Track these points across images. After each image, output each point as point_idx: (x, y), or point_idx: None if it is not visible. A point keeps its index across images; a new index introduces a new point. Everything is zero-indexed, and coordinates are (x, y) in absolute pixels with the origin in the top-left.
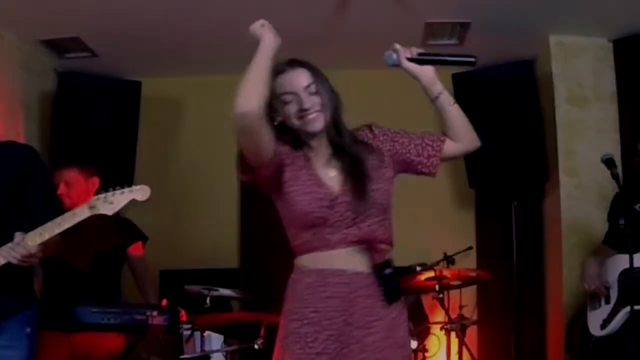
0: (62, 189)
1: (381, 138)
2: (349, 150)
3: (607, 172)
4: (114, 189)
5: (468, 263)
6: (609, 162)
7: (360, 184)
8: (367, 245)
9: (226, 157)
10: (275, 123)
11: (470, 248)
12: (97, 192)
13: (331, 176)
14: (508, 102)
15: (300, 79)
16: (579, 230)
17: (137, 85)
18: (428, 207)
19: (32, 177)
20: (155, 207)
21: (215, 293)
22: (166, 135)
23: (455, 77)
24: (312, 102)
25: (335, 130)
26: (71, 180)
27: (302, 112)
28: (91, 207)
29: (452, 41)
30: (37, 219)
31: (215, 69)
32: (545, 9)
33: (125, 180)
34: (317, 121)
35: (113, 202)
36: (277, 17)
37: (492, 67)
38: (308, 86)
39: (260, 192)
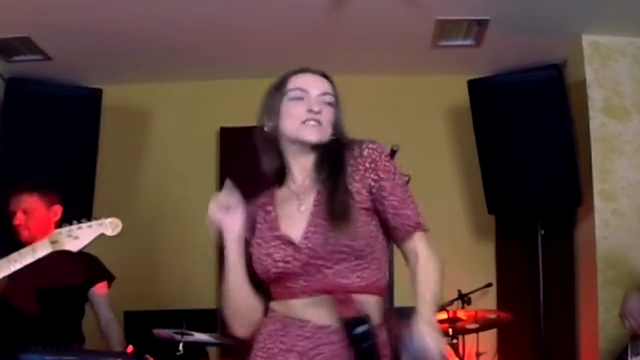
0: (19, 219)
1: (377, 173)
2: (333, 181)
3: None
4: (79, 222)
5: (487, 303)
6: None
7: (333, 223)
8: (334, 295)
9: (201, 177)
10: (265, 128)
11: (489, 285)
12: (59, 224)
13: (301, 210)
14: (533, 112)
15: (318, 83)
16: (617, 263)
17: (97, 92)
18: (439, 237)
19: None
20: (118, 237)
21: (189, 338)
22: (131, 151)
23: (471, 83)
24: (323, 110)
25: (328, 156)
26: (30, 208)
27: (310, 113)
28: (53, 242)
29: (468, 42)
30: None
31: (188, 75)
32: (577, 4)
33: (83, 204)
34: (319, 132)
35: (79, 237)
36: (265, 15)
37: (514, 72)
38: (324, 94)
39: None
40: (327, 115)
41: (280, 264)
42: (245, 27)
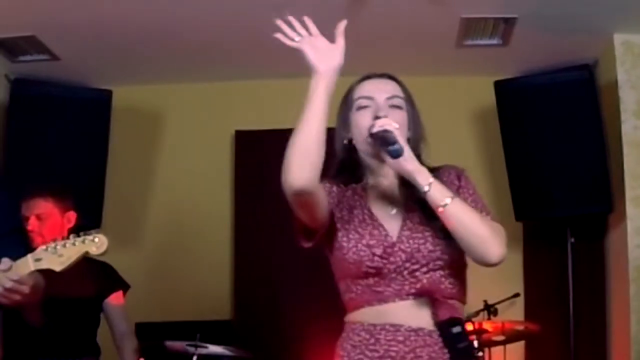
0: (33, 224)
1: (462, 191)
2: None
3: None
4: (66, 238)
5: (514, 314)
6: None
7: (429, 232)
8: (429, 298)
9: (216, 183)
10: (345, 142)
11: (516, 295)
12: (72, 231)
13: (392, 214)
14: (563, 115)
15: (384, 86)
16: None
17: (107, 94)
18: None
19: None
20: (129, 245)
21: (203, 350)
22: (142, 156)
23: (498, 84)
24: (391, 114)
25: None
26: (45, 214)
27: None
28: (37, 260)
29: (494, 41)
30: None
31: (202, 76)
32: (609, 2)
33: (92, 211)
34: None
35: (63, 255)
36: (276, 15)
37: (543, 73)
38: (391, 97)
39: (256, 228)
40: (397, 119)
41: (377, 259)
42: (262, 27)
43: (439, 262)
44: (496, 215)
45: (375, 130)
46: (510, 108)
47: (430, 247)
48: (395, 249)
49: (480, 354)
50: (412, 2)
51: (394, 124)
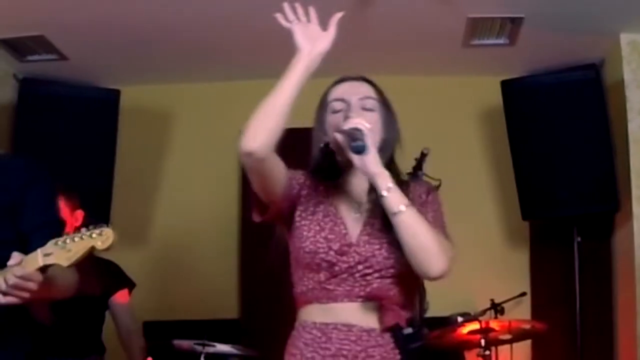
0: None
1: (426, 206)
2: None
3: None
4: (74, 232)
5: (521, 313)
6: None
7: (387, 239)
8: (377, 303)
9: (223, 182)
10: (321, 145)
11: (523, 294)
12: (78, 229)
13: (355, 216)
14: (569, 114)
15: (357, 88)
16: None
17: (115, 94)
18: (471, 244)
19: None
20: (137, 244)
21: (211, 349)
22: (150, 155)
23: (505, 84)
24: (363, 117)
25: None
26: None
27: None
28: (46, 255)
29: (501, 40)
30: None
31: (210, 75)
32: (615, 1)
33: (100, 211)
34: None
35: (71, 250)
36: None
37: (550, 72)
38: (364, 98)
39: (263, 227)
40: (368, 121)
41: (332, 254)
42: (271, 27)
43: (391, 270)
44: (451, 240)
45: (344, 127)
46: (516, 108)
47: (385, 254)
48: (351, 249)
49: (487, 352)
50: (418, 1)
51: (366, 124)
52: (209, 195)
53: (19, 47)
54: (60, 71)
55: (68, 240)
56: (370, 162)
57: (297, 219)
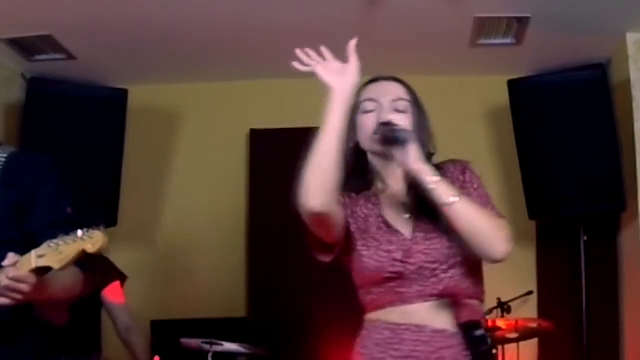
0: None
1: (466, 186)
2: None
3: None
4: (66, 234)
5: (527, 311)
6: None
7: (442, 230)
8: (451, 300)
9: (231, 181)
10: (351, 144)
11: (530, 293)
12: (74, 232)
13: (405, 218)
14: (576, 114)
15: (389, 89)
16: None
17: (122, 93)
18: None
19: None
20: (144, 243)
21: (218, 348)
22: (158, 155)
23: (511, 83)
24: (395, 119)
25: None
26: None
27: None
28: (40, 257)
29: (508, 40)
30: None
31: (217, 75)
32: (621, 1)
33: (108, 211)
34: None
35: (63, 253)
36: (298, 14)
37: (556, 72)
38: (396, 100)
39: (271, 226)
40: (400, 122)
41: (398, 264)
42: (277, 26)
43: (457, 259)
44: (500, 209)
45: (382, 120)
46: (523, 107)
47: (447, 244)
48: (413, 250)
49: (494, 351)
50: (425, 1)
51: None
52: (217, 194)
53: (27, 47)
54: (68, 71)
55: (61, 243)
56: (414, 160)
57: (352, 240)
